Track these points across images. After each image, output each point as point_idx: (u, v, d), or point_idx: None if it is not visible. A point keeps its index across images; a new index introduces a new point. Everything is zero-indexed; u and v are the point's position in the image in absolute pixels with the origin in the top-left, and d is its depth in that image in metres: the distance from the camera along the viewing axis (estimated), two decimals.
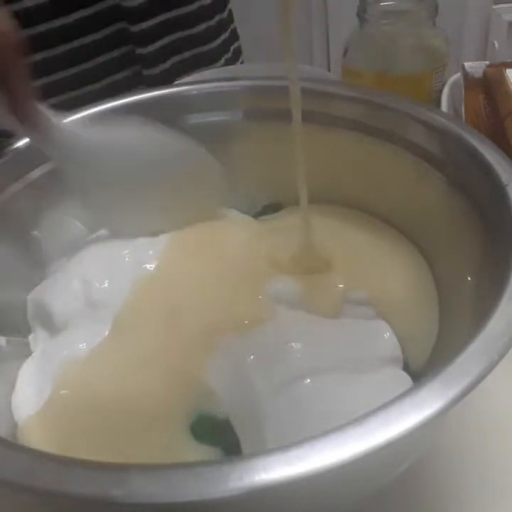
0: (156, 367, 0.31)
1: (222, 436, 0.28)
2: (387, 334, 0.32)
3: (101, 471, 0.19)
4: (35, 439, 0.29)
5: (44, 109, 0.31)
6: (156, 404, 0.29)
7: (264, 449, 0.19)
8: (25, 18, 0.51)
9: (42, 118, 0.31)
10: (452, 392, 0.19)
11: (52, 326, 0.34)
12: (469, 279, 0.30)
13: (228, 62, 0.65)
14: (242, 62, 0.69)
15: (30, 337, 0.35)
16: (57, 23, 0.53)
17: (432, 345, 0.31)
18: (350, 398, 0.28)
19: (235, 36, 0.67)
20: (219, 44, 0.63)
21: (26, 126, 0.31)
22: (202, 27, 0.60)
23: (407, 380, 0.29)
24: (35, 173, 0.36)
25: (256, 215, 0.41)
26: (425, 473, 0.30)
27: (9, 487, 0.20)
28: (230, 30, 0.66)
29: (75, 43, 0.55)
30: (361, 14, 0.47)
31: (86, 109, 0.37)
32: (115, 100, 0.38)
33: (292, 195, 0.34)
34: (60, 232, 0.37)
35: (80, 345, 0.33)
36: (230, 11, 0.67)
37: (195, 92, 0.39)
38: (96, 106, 0.38)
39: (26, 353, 0.34)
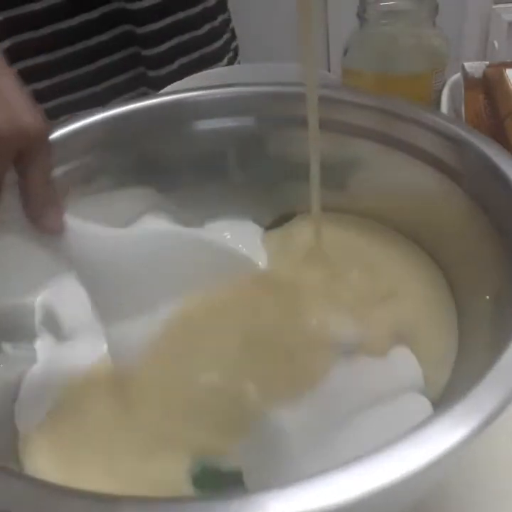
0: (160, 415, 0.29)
1: (224, 486, 0.27)
2: (411, 362, 0.31)
3: (92, 502, 0.19)
4: (37, 451, 0.28)
5: (62, 210, 0.27)
6: (158, 440, 0.28)
7: (262, 487, 0.18)
8: (32, 21, 0.51)
9: (58, 220, 0.27)
10: (469, 427, 0.19)
11: (59, 333, 0.34)
12: (488, 297, 0.29)
13: (230, 61, 0.66)
14: (239, 62, 0.69)
15: (37, 344, 0.34)
16: (62, 25, 0.54)
17: (451, 367, 0.31)
18: (371, 432, 0.27)
19: (233, 35, 0.68)
20: (222, 44, 0.64)
21: (40, 227, 0.26)
22: (206, 28, 0.61)
23: (427, 406, 0.28)
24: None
25: (272, 225, 0.40)
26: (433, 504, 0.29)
27: None
28: (230, 29, 0.67)
29: (80, 45, 0.55)
30: (361, 14, 0.47)
31: (96, 114, 0.37)
32: (127, 105, 0.38)
33: (307, 204, 0.33)
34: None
35: (86, 357, 0.32)
36: (229, 10, 0.67)
37: (208, 97, 0.39)
38: (107, 110, 0.37)
39: (32, 359, 0.33)
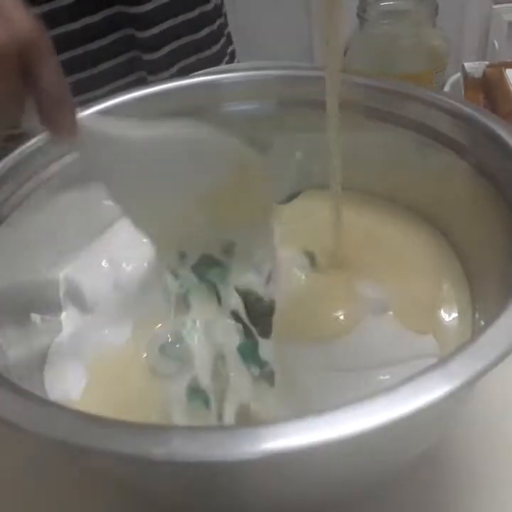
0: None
1: None
2: (428, 336, 0.32)
3: (143, 431, 0.19)
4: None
5: (76, 111, 0.28)
6: None
7: (299, 415, 0.19)
8: None
9: (73, 122, 0.27)
10: (480, 365, 0.20)
11: (83, 305, 0.35)
12: (498, 270, 0.30)
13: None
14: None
15: (63, 315, 0.36)
16: (63, 29, 0.54)
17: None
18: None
19: (229, 40, 0.69)
20: (219, 48, 0.64)
21: (55, 131, 0.27)
22: (205, 32, 0.61)
23: None
24: (70, 157, 0.36)
25: (283, 202, 0.41)
26: (438, 460, 0.30)
27: (55, 445, 0.21)
28: (225, 33, 0.67)
29: (81, 49, 0.55)
30: (361, 14, 0.47)
31: (127, 93, 0.39)
32: (149, 87, 0.39)
33: (318, 183, 0.35)
34: (93, 212, 0.37)
35: (110, 332, 0.33)
36: (225, 14, 0.68)
37: (229, 80, 0.39)
38: (128, 93, 0.39)
39: (59, 330, 0.35)
